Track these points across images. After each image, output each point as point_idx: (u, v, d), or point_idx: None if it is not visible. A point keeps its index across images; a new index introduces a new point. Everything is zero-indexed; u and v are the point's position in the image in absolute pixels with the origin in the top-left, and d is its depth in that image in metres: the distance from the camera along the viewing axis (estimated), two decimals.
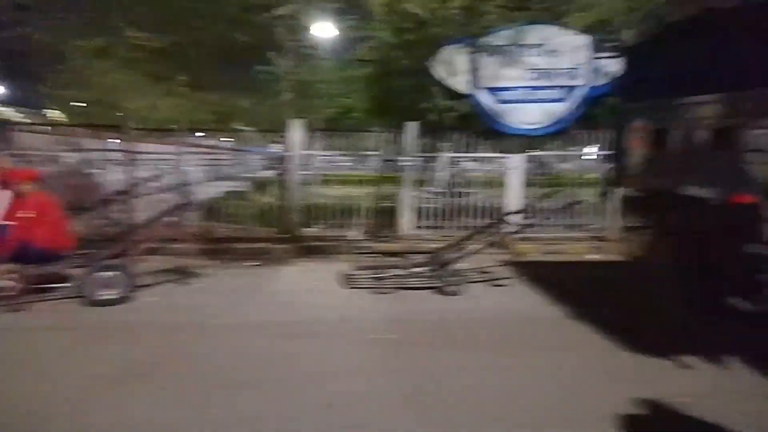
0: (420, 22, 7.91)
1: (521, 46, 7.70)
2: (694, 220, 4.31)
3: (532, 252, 7.84)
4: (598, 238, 8.27)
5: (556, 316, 5.26)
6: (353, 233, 8.08)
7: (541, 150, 9.05)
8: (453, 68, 7.67)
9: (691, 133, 4.28)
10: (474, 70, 7.66)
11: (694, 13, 4.33)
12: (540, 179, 9.06)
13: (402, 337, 4.66)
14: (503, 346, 4.53)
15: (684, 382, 3.83)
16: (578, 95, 7.93)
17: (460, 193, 8.80)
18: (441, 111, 9.23)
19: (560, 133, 8.39)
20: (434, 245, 6.71)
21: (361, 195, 8.66)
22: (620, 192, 5.37)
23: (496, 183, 8.74)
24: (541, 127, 8.00)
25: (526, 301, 5.78)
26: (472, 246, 6.29)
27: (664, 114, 4.62)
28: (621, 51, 5.61)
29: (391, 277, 6.00)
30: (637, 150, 4.98)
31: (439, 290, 5.91)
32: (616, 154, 5.30)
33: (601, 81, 7.39)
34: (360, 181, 9.09)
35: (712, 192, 3.95)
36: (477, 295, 5.86)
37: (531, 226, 7.31)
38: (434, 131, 8.76)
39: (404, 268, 6.11)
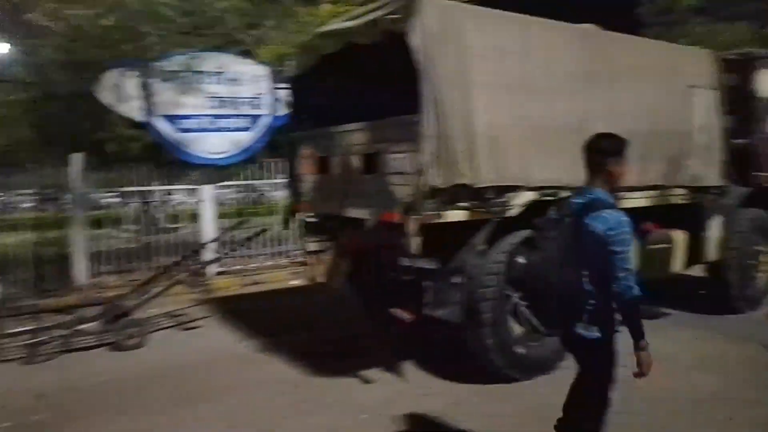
0: (73, 40, 6.92)
1: (198, 72, 7.36)
2: (358, 240, 4.59)
3: (232, 286, 7.54)
4: (298, 263, 8.40)
5: (247, 354, 5.06)
6: (6, 291, 6.56)
7: (236, 179, 8.87)
8: (122, 94, 6.88)
9: (346, 159, 4.56)
10: (147, 97, 7.01)
11: (339, 47, 4.61)
12: (237, 209, 8.86)
13: (53, 415, 3.83)
14: (186, 398, 4.12)
15: (369, 395, 4.00)
16: (262, 124, 7.98)
17: (150, 229, 7.99)
18: (123, 141, 8.32)
19: (247, 162, 8.31)
20: (116, 293, 5.87)
21: (20, 243, 7.15)
22: (299, 217, 5.46)
23: (191, 216, 8.21)
24: (228, 156, 7.77)
25: (218, 341, 5.43)
26: (156, 288, 5.66)
27: (324, 141, 4.85)
28: (288, 82, 5.75)
29: (51, 339, 4.99)
30: (307, 176, 5.13)
31: (116, 345, 5.15)
32: (291, 181, 5.39)
33: (283, 110, 7.53)
34: (20, 226, 7.52)
35: (367, 213, 4.22)
36: (162, 344, 5.30)
37: (221, 258, 7.01)
38: (117, 162, 7.83)
39: (69, 326, 5.14)
